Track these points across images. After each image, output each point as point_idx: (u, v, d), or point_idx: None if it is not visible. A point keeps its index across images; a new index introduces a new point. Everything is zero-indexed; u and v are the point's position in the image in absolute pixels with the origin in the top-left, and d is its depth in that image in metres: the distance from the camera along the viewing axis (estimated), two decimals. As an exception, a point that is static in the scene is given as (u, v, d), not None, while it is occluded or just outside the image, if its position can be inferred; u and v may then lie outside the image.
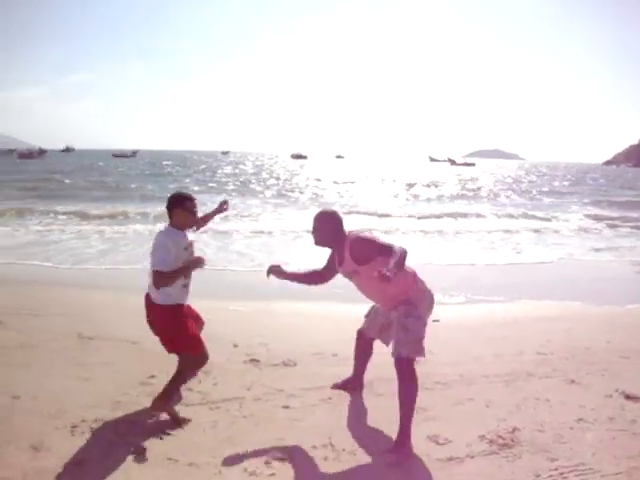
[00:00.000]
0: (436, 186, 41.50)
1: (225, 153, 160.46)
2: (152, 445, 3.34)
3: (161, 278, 3.52)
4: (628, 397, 4.23)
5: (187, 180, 42.75)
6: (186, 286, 3.77)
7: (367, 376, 4.35)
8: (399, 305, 3.65)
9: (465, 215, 21.86)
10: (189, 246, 3.79)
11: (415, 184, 42.92)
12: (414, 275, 3.75)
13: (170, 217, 3.76)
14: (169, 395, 3.71)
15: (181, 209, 3.73)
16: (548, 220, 21.08)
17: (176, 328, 3.71)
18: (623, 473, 3.15)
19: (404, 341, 3.54)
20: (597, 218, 21.64)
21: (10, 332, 5.54)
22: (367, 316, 4.17)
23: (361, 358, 4.29)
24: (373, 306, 4.10)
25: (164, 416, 3.70)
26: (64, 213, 19.17)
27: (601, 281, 10.22)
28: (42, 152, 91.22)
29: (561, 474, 3.08)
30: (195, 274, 3.78)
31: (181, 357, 3.78)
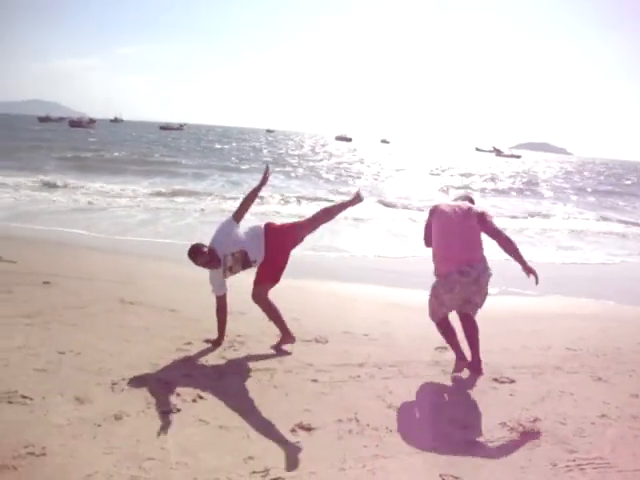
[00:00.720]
0: (492, 180, 40.78)
1: (270, 131, 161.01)
2: (185, 407, 3.50)
3: None
4: (655, 398, 4.21)
5: (233, 158, 43.13)
6: None
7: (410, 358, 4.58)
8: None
9: (517, 211, 21.46)
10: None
11: (472, 174, 42.47)
12: (440, 259, 4.33)
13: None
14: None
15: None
16: (601, 220, 20.59)
17: None
18: (641, 470, 3.17)
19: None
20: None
21: (58, 293, 5.82)
22: None
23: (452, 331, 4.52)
24: None
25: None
26: (105, 184, 19.71)
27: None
28: (91, 121, 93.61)
29: (578, 465, 3.12)
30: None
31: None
